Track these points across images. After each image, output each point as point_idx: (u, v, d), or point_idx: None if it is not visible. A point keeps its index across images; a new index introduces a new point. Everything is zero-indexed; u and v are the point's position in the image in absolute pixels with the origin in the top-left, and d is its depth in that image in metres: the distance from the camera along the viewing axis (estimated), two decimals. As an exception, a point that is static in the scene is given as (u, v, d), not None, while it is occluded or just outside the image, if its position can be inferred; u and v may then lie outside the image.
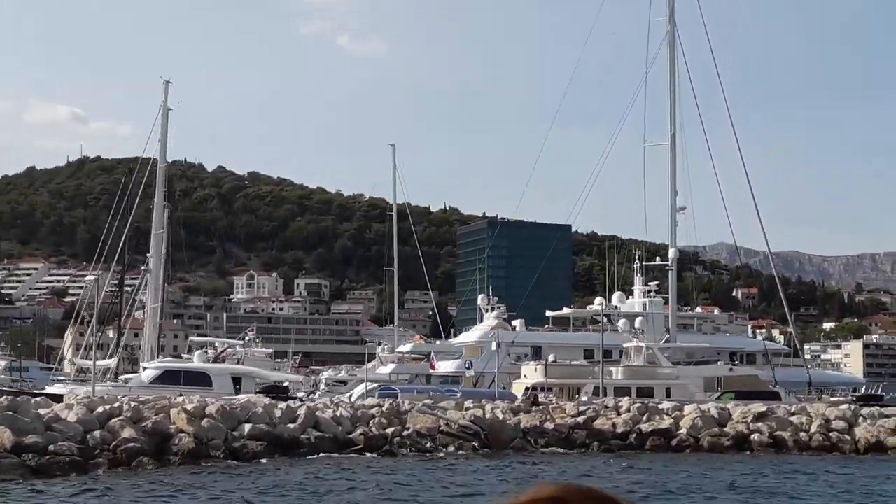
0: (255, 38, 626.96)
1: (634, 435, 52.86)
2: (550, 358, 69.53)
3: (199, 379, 59.10)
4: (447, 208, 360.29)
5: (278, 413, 43.90)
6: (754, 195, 79.85)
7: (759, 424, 54.52)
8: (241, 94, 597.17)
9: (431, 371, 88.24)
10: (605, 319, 70.64)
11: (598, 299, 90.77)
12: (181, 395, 48.63)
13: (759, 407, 56.00)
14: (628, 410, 55.05)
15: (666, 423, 53.91)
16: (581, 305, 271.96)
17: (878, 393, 65.62)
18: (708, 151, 79.71)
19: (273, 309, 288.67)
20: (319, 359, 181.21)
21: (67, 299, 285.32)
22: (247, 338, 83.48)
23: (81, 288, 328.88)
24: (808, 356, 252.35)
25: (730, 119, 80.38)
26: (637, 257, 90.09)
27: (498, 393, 57.32)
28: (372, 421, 47.09)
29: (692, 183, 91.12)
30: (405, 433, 46.82)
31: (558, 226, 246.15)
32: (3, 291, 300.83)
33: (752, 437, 53.74)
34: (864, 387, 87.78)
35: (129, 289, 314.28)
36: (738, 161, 79.70)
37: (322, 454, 42.18)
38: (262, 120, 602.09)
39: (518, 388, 63.92)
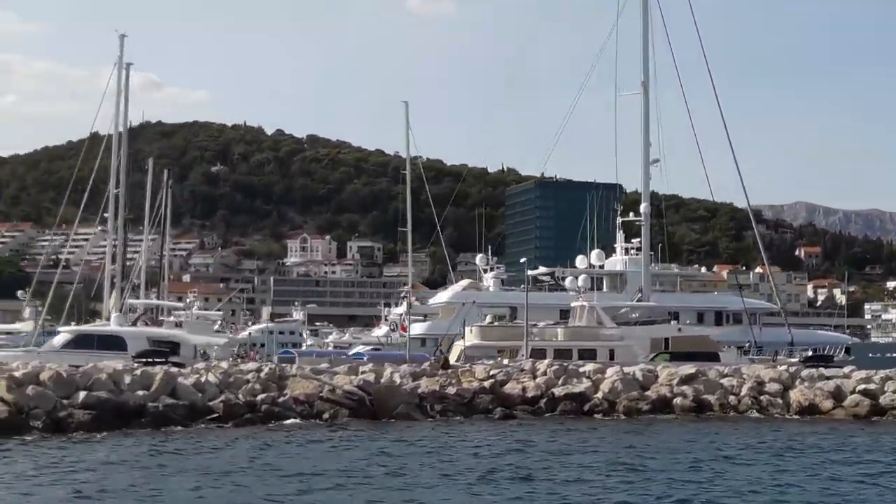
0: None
1: (545, 399, 49.97)
2: (487, 319, 66.43)
3: (113, 343, 56.88)
4: (505, 169, 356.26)
5: (128, 379, 41.57)
6: (732, 144, 76.10)
7: (684, 387, 51.38)
8: (305, 56, 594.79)
9: (402, 333, 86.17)
10: (548, 279, 67.48)
11: (579, 257, 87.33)
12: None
13: (687, 369, 52.77)
14: (545, 373, 52.13)
15: (581, 386, 50.90)
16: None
17: (828, 353, 61.90)
18: (683, 98, 75.83)
19: (325, 272, 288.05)
20: (364, 322, 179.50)
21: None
22: (188, 300, 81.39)
23: (136, 252, 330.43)
24: (868, 315, 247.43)
25: (706, 63, 76.37)
26: (619, 212, 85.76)
27: (409, 355, 54.66)
28: (244, 387, 44.66)
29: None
30: (281, 399, 44.39)
31: (608, 185, 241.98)
32: (60, 257, 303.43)
33: (675, 400, 50.69)
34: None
35: (183, 252, 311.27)
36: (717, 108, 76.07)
37: (169, 426, 39.80)
38: (325, 82, 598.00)
39: (456, 351, 61.27)
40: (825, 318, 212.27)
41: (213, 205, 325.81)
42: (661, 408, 50.23)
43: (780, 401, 51.03)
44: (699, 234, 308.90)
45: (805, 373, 53.41)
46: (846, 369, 54.43)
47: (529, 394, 50.28)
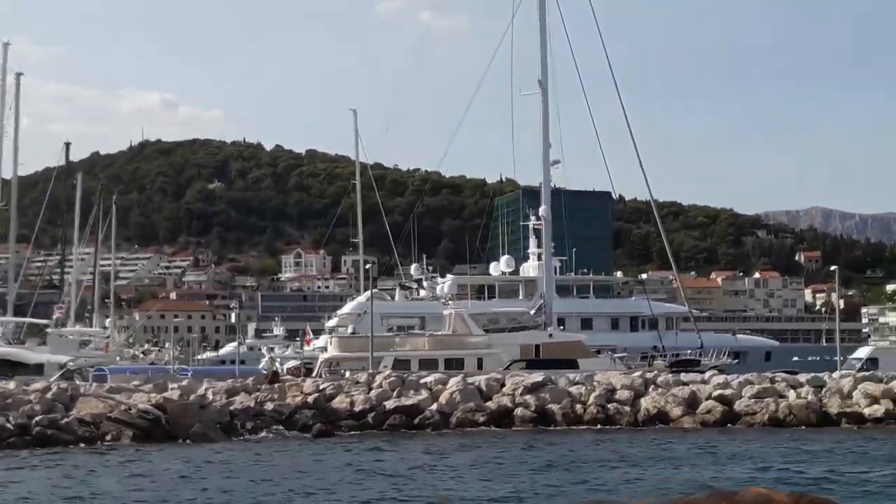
0: (330, 15, 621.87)
1: (373, 414, 46.85)
2: (350, 329, 63.51)
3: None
4: (503, 179, 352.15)
5: None
6: (635, 142, 72.96)
7: (528, 397, 48.16)
8: (311, 72, 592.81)
9: (307, 347, 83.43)
10: (414, 285, 64.44)
11: (492, 264, 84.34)
12: None
13: (534, 377, 49.58)
14: (380, 386, 49.02)
15: (415, 399, 47.77)
16: (634, 275, 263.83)
17: (695, 358, 58.60)
18: (584, 98, 72.79)
19: (319, 287, 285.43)
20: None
21: (117, 283, 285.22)
22: (55, 316, 78.68)
23: (133, 271, 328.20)
24: (865, 319, 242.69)
25: (607, 61, 73.26)
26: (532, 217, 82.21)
27: (239, 370, 51.67)
28: (23, 408, 41.68)
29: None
30: (64, 421, 41.37)
31: (597, 193, 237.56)
32: (55, 277, 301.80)
33: (516, 411, 47.54)
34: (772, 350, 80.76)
35: (178, 269, 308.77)
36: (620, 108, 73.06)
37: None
38: (328, 97, 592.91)
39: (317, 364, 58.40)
40: (819, 322, 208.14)
41: (209, 222, 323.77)
42: (500, 419, 47.18)
43: (628, 409, 47.84)
44: (698, 240, 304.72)
45: (660, 379, 50.17)
46: (707, 374, 51.15)
47: (357, 408, 47.25)
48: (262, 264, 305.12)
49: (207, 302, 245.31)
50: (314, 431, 44.63)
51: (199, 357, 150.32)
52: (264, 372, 53.47)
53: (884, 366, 54.21)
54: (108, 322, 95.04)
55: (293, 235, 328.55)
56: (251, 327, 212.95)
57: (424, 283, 78.32)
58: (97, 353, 68.63)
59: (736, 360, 61.33)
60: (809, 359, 76.95)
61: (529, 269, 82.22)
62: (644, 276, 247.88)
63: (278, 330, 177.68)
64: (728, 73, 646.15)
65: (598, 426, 46.47)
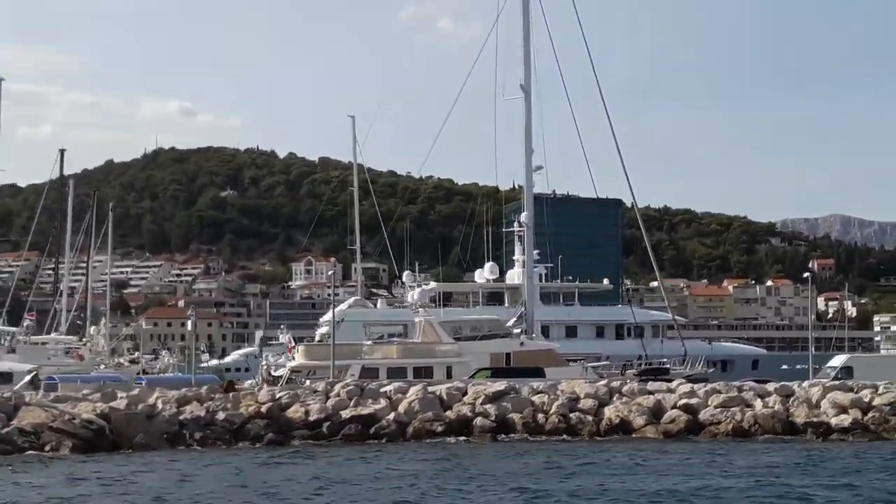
0: (349, 23, 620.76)
1: (328, 423, 45.77)
2: (317, 337, 62.36)
3: None
4: (516, 186, 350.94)
5: None
6: (619, 147, 72.02)
7: (488, 406, 47.01)
8: (330, 79, 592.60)
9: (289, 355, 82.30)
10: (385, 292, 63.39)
11: (477, 272, 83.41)
12: None
13: (496, 386, 48.47)
14: (338, 395, 47.93)
15: (372, 408, 46.64)
16: (645, 283, 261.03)
17: (665, 366, 57.39)
18: (567, 101, 71.85)
19: (329, 294, 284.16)
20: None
21: (128, 290, 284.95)
22: (25, 324, 77.90)
23: (144, 279, 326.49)
24: (878, 327, 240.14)
25: (591, 65, 72.29)
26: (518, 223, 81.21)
27: (195, 378, 50.67)
28: (-41, 417, 40.84)
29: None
30: (4, 431, 40.51)
31: (606, 200, 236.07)
32: (68, 285, 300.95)
33: (476, 421, 46.40)
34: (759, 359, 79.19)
35: (188, 277, 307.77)
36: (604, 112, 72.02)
37: None
38: (345, 103, 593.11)
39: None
40: (829, 330, 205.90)
41: (221, 229, 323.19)
42: (460, 429, 46.06)
43: (590, 418, 46.62)
44: (710, 248, 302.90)
45: (626, 388, 48.97)
46: (674, 383, 49.92)
47: (312, 417, 46.14)
48: (274, 272, 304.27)
49: (215, 310, 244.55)
50: (265, 442, 43.71)
51: (203, 365, 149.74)
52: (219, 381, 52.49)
53: (858, 375, 52.93)
54: (92, 330, 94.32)
55: (305, 243, 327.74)
56: (258, 335, 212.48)
57: (394, 291, 77.26)
58: (70, 362, 67.81)
59: (713, 369, 60.17)
60: (798, 367, 75.53)
61: (514, 276, 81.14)
62: (654, 283, 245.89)
63: (284, 338, 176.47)
64: (746, 79, 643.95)
65: (561, 436, 45.31)
